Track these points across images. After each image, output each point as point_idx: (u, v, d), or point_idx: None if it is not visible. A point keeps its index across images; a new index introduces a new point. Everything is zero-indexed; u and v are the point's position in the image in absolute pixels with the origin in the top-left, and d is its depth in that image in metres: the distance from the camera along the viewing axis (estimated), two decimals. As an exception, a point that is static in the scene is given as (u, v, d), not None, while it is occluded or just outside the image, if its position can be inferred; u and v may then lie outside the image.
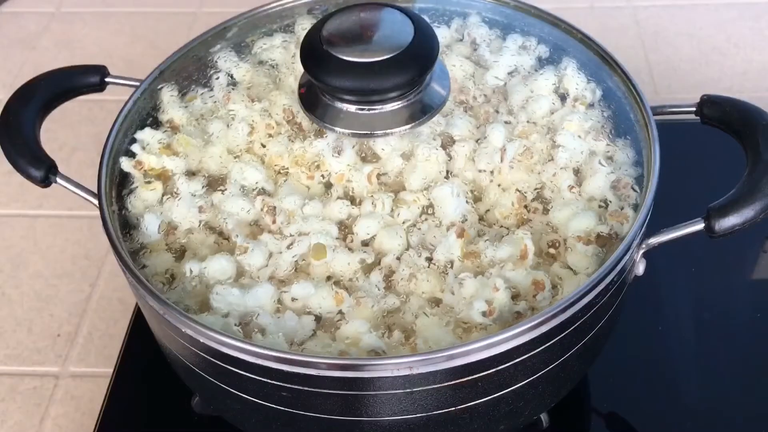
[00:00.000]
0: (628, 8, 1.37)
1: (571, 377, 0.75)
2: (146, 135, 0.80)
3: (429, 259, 0.74)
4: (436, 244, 0.74)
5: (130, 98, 0.83)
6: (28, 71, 1.10)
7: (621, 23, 1.35)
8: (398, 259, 0.74)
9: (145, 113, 0.84)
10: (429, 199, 0.77)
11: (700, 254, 0.96)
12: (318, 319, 0.70)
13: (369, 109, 0.74)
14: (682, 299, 0.94)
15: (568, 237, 0.72)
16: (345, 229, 0.77)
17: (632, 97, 0.81)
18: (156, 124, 0.84)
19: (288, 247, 0.72)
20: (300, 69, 0.82)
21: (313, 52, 0.73)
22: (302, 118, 0.83)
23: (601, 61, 0.85)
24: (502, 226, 0.77)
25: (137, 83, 0.86)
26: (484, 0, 0.91)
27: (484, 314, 0.66)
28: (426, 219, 0.76)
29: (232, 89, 0.87)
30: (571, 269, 0.71)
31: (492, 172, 0.80)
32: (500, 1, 0.91)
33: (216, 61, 0.89)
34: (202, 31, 0.91)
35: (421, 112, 0.75)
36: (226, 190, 0.78)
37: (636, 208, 0.75)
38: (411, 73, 0.72)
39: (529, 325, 0.65)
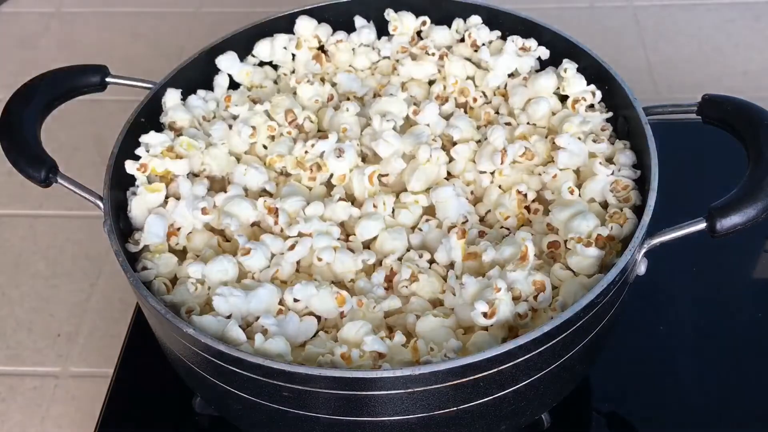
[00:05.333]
0: (628, 8, 1.37)
1: (572, 377, 0.75)
2: (150, 138, 0.80)
3: (430, 261, 0.74)
4: (437, 245, 0.74)
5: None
6: (28, 71, 1.09)
7: (621, 23, 1.35)
8: (399, 260, 0.74)
9: (148, 116, 0.84)
10: (430, 201, 0.77)
11: (701, 254, 0.96)
12: (320, 319, 0.70)
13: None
14: (683, 299, 0.94)
15: (568, 238, 0.72)
16: (346, 230, 0.77)
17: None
18: (159, 127, 0.84)
19: (290, 249, 0.72)
20: (301, 70, 0.83)
21: None
22: (304, 119, 0.83)
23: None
24: (502, 227, 0.77)
25: (138, 83, 0.86)
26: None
27: (485, 315, 0.66)
28: (427, 220, 0.76)
29: (234, 92, 0.87)
30: (572, 270, 0.71)
31: (493, 174, 0.80)
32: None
33: (218, 64, 0.89)
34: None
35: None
36: (228, 191, 0.78)
37: (636, 209, 0.75)
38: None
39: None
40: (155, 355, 0.81)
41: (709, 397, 0.86)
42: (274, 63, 0.93)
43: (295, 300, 0.70)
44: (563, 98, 0.85)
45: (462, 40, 0.91)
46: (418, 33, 0.93)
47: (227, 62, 0.89)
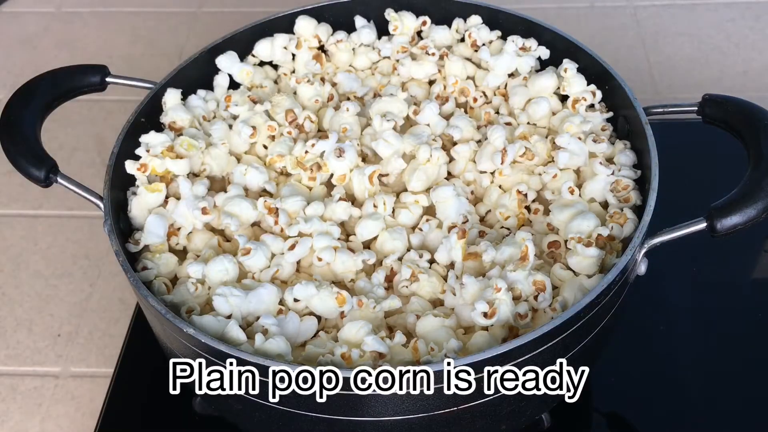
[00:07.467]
0: (628, 8, 1.37)
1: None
2: (150, 138, 0.80)
3: (430, 261, 0.74)
4: (437, 245, 0.74)
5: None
6: (28, 71, 1.10)
7: (621, 23, 1.35)
8: (399, 260, 0.74)
9: (148, 116, 0.84)
10: (430, 201, 0.77)
11: (701, 254, 0.96)
12: (320, 319, 0.70)
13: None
14: (683, 299, 0.94)
15: (568, 238, 0.72)
16: (346, 230, 0.77)
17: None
18: (159, 127, 0.84)
19: (290, 249, 0.72)
20: (301, 70, 0.82)
21: None
22: (304, 119, 0.83)
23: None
24: (503, 227, 0.77)
25: (138, 83, 0.86)
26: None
27: (485, 315, 0.66)
28: (428, 220, 0.76)
29: (234, 91, 0.87)
30: (572, 270, 0.71)
31: (493, 174, 0.80)
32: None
33: (218, 64, 0.89)
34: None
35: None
36: (228, 191, 0.78)
37: (636, 209, 0.75)
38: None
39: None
40: (155, 355, 0.81)
41: (709, 397, 0.86)
42: (274, 63, 0.93)
43: (296, 300, 0.70)
44: (563, 98, 0.85)
45: (462, 40, 0.91)
46: (419, 33, 0.93)
47: (227, 62, 0.89)
